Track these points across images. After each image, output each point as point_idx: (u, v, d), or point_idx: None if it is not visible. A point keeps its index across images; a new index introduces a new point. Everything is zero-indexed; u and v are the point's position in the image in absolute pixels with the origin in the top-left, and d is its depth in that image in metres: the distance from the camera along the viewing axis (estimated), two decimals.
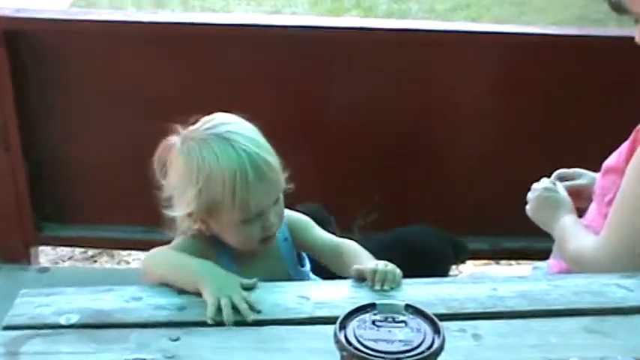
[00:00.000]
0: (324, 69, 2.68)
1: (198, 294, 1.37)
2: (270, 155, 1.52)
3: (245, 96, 2.67)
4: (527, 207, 1.84)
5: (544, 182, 1.85)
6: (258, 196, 1.49)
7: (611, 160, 1.76)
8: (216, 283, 1.38)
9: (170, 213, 1.55)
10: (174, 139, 1.55)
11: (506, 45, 2.67)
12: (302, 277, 1.67)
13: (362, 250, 1.68)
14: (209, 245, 1.57)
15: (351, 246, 1.69)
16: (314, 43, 2.67)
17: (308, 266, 1.73)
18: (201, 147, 1.50)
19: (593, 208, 1.82)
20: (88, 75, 2.73)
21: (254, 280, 1.43)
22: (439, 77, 2.67)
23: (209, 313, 1.32)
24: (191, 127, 1.56)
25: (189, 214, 1.53)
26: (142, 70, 2.70)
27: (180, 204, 1.53)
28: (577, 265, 1.64)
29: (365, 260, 1.56)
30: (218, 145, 1.50)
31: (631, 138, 1.68)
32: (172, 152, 1.54)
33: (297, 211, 1.72)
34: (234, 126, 1.55)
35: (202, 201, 1.49)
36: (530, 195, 1.85)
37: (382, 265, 1.46)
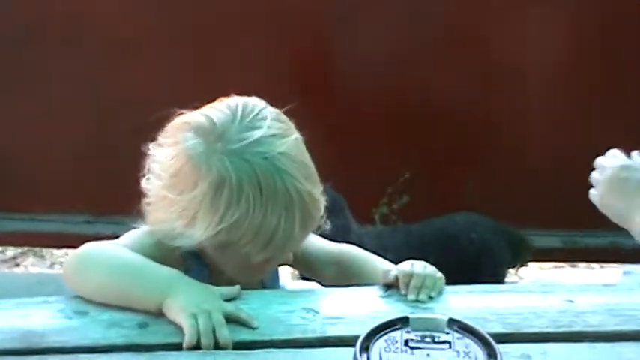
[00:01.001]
0: (336, 9, 2.71)
1: (159, 313, 1.37)
2: (317, 188, 1.55)
3: (237, 37, 2.71)
4: (593, 192, 1.81)
5: (617, 157, 1.81)
6: (295, 241, 1.54)
7: None
8: (191, 298, 1.37)
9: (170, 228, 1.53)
10: (199, 146, 1.52)
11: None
12: None
13: (372, 256, 1.71)
14: (175, 250, 1.57)
15: (358, 253, 1.74)
16: None
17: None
18: (242, 175, 1.48)
19: None
20: (24, 15, 2.78)
21: (235, 287, 1.45)
22: (496, 34, 2.69)
23: (188, 338, 1.32)
24: (218, 127, 1.52)
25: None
26: (105, 8, 2.75)
27: (190, 228, 1.51)
28: None
29: (381, 265, 1.59)
30: (264, 176, 1.49)
31: None
32: (198, 166, 1.50)
33: None
34: (273, 131, 1.53)
35: (223, 234, 1.49)
36: (596, 175, 1.80)
37: (419, 266, 1.48)
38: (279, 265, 1.74)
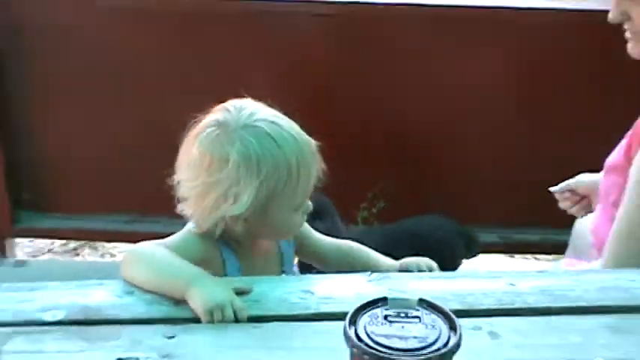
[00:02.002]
0: (325, 45, 2.71)
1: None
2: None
3: (242, 75, 2.69)
4: None
5: None
6: (311, 179, 1.54)
7: (612, 158, 1.76)
8: (207, 293, 1.34)
9: (218, 213, 1.50)
10: (215, 131, 1.51)
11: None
12: None
13: (366, 248, 1.71)
14: (213, 244, 1.57)
15: (353, 245, 1.74)
16: (312, 19, 2.70)
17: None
18: (258, 136, 1.49)
19: (599, 209, 1.82)
20: (69, 52, 2.74)
21: (249, 283, 1.42)
22: (449, 58, 2.68)
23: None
24: (226, 116, 1.53)
25: (235, 217, 1.50)
26: (131, 47, 2.71)
27: (236, 200, 1.48)
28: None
29: (375, 256, 1.59)
30: (273, 131, 1.50)
31: (629, 133, 1.68)
32: (216, 146, 1.50)
33: None
34: (269, 112, 1.55)
35: (262, 194, 1.48)
36: None
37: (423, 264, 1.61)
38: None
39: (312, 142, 1.55)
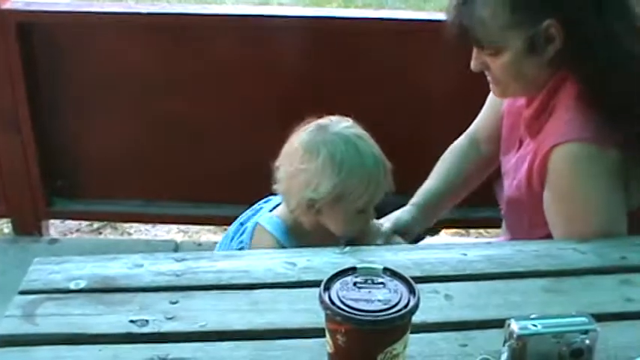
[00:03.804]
0: (307, 55, 2.68)
1: (197, 258, 1.37)
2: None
3: (236, 80, 2.68)
4: None
5: None
6: (379, 192, 1.59)
7: (512, 194, 1.65)
8: None
9: (300, 195, 1.58)
10: (314, 132, 1.59)
11: None
12: None
13: None
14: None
15: None
16: (298, 32, 2.67)
17: None
18: (346, 143, 1.56)
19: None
20: (92, 62, 2.73)
21: None
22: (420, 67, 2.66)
23: None
24: (326, 123, 1.60)
25: (312, 201, 1.57)
26: (142, 58, 2.71)
27: (316, 189, 1.55)
28: None
29: None
30: (359, 143, 1.57)
31: (526, 166, 1.58)
32: (311, 142, 1.57)
33: None
34: (361, 131, 1.61)
35: (337, 190, 1.55)
36: None
37: None
38: None
39: (388, 164, 1.60)
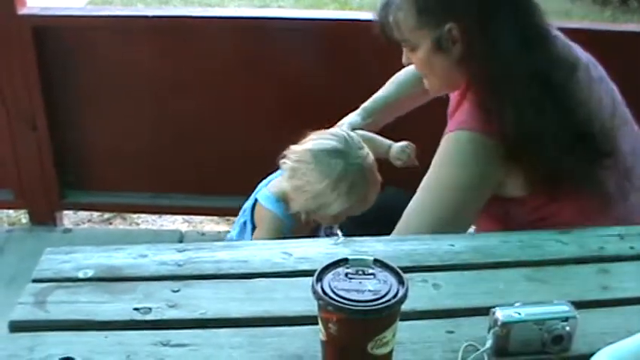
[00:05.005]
0: (306, 56, 2.66)
1: (198, 249, 1.36)
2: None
3: (238, 80, 2.66)
4: None
5: None
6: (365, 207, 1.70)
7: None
8: None
9: (306, 204, 1.68)
10: (334, 157, 1.65)
11: None
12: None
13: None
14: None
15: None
16: (297, 33, 2.66)
17: None
18: (362, 177, 1.66)
19: None
20: (102, 63, 2.72)
21: None
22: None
23: None
24: (344, 148, 1.66)
25: (314, 211, 1.68)
26: (149, 58, 2.71)
27: (322, 205, 1.66)
28: None
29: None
30: (370, 177, 1.67)
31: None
32: (331, 170, 1.64)
33: None
34: (371, 160, 1.70)
35: (340, 212, 1.68)
36: None
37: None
38: None
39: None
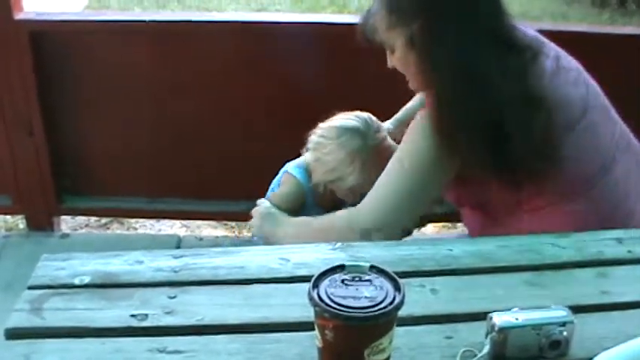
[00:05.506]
0: (303, 59, 2.66)
1: (194, 255, 1.35)
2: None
3: (236, 83, 2.66)
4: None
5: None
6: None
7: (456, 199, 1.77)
8: None
9: (324, 176, 1.82)
10: (354, 136, 1.79)
11: None
12: None
13: None
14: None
15: None
16: (295, 36, 2.65)
17: None
18: (367, 151, 1.78)
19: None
20: (99, 67, 2.71)
21: None
22: None
23: None
24: (364, 129, 1.81)
25: (331, 182, 1.81)
26: (146, 62, 2.70)
27: (339, 177, 1.80)
28: (326, 233, 1.60)
29: None
30: (369, 155, 1.78)
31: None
32: (350, 148, 1.78)
33: None
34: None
35: (354, 185, 1.79)
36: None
37: None
38: None
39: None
